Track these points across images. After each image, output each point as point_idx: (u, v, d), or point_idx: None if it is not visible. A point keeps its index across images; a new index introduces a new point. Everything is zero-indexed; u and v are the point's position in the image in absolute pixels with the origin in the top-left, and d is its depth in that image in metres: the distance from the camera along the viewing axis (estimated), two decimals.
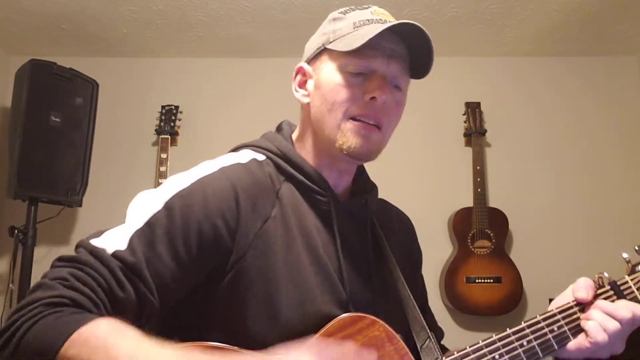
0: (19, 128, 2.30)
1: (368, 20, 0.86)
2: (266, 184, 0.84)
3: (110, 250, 0.71)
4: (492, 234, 2.62)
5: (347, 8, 0.91)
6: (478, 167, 2.72)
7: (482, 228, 2.63)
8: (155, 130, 2.84)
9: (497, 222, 2.65)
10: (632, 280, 0.87)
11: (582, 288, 0.85)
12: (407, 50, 0.87)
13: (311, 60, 0.93)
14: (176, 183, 0.80)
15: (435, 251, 2.76)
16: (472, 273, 2.59)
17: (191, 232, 0.75)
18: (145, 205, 0.77)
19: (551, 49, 2.89)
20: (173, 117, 2.83)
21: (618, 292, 0.86)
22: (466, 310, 2.60)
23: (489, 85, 2.96)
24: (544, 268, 2.69)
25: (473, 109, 2.82)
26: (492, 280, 2.57)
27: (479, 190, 2.68)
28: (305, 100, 0.92)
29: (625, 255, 0.90)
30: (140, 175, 2.84)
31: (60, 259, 0.72)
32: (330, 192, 0.89)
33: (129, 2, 2.43)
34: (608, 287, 0.86)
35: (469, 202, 2.69)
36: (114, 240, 0.73)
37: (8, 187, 2.37)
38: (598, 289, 0.86)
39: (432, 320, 1.06)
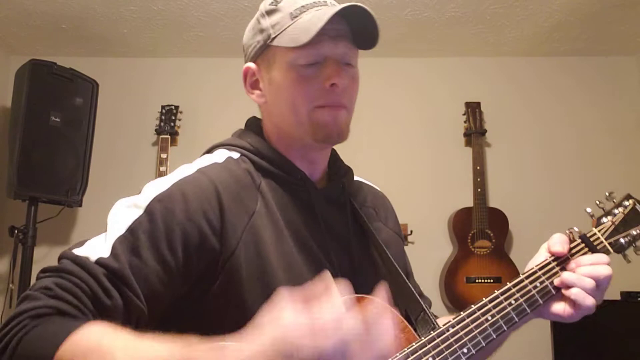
0: (19, 128, 2.30)
1: (303, 6, 0.84)
2: (246, 180, 0.85)
3: (93, 258, 0.71)
4: (492, 234, 2.62)
5: None
6: (478, 167, 2.72)
7: (482, 228, 2.63)
8: (155, 130, 2.84)
9: (497, 222, 2.65)
10: (599, 231, 0.93)
11: (557, 243, 0.90)
12: (347, 25, 0.85)
13: (256, 59, 0.91)
14: (154, 188, 0.79)
15: (435, 251, 2.76)
16: (472, 273, 2.59)
17: (175, 235, 0.75)
18: (125, 212, 0.76)
19: (551, 49, 2.89)
20: (173, 117, 2.82)
21: (589, 244, 0.91)
22: None
23: (489, 85, 2.96)
24: None
25: (473, 109, 2.83)
26: (492, 280, 2.57)
27: (479, 190, 2.68)
28: (262, 100, 0.91)
29: (589, 209, 0.96)
30: (140, 175, 2.84)
31: (44, 270, 0.71)
32: (308, 181, 0.90)
33: (129, 2, 2.43)
34: (579, 241, 0.91)
35: (469, 202, 2.69)
36: (96, 248, 0.72)
37: (8, 187, 2.37)
38: (570, 243, 0.91)
39: (419, 291, 1.08)
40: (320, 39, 0.81)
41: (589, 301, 0.83)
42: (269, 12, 0.87)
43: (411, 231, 2.67)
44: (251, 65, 0.92)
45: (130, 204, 0.78)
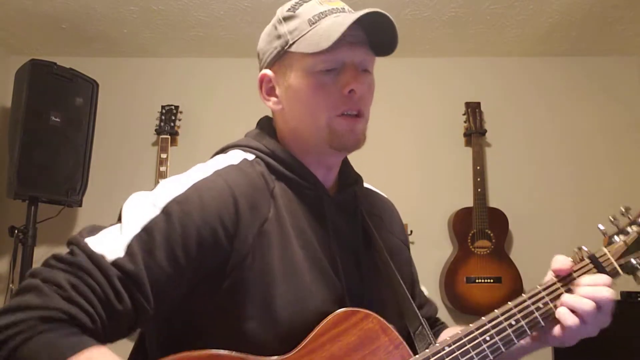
0: (19, 128, 2.30)
1: (321, 13, 0.85)
2: (260, 184, 0.84)
3: (109, 257, 0.70)
4: (492, 234, 2.62)
5: (293, 3, 0.89)
6: (478, 167, 2.72)
7: (482, 228, 2.63)
8: (155, 130, 2.84)
9: (497, 222, 2.65)
10: (609, 251, 0.88)
11: (558, 261, 0.87)
12: (364, 31, 0.85)
13: (272, 66, 0.90)
14: (172, 187, 0.78)
15: (436, 251, 2.76)
16: (472, 273, 2.59)
17: (190, 238, 0.74)
18: (141, 209, 0.75)
19: (551, 49, 2.89)
20: (173, 117, 2.82)
21: (597, 264, 0.86)
22: (466, 310, 2.59)
23: (488, 85, 2.96)
24: (544, 268, 2.67)
25: (473, 109, 2.83)
26: (492, 280, 2.57)
27: (479, 190, 2.68)
28: (279, 107, 0.90)
29: (601, 226, 0.90)
30: (140, 175, 2.84)
31: (57, 258, 0.70)
32: (321, 187, 0.90)
33: (129, 2, 2.43)
34: (588, 261, 0.87)
35: (469, 202, 2.69)
36: (112, 246, 0.71)
37: (8, 187, 2.37)
38: (578, 262, 0.87)
39: (424, 299, 1.08)
40: (339, 45, 0.81)
41: (570, 321, 0.80)
42: (286, 19, 0.87)
43: (411, 231, 2.67)
44: (267, 72, 0.91)
45: (147, 200, 0.77)
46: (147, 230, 0.73)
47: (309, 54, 0.83)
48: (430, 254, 2.74)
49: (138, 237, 0.72)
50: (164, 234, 0.73)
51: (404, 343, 0.81)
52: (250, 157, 0.88)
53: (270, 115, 0.98)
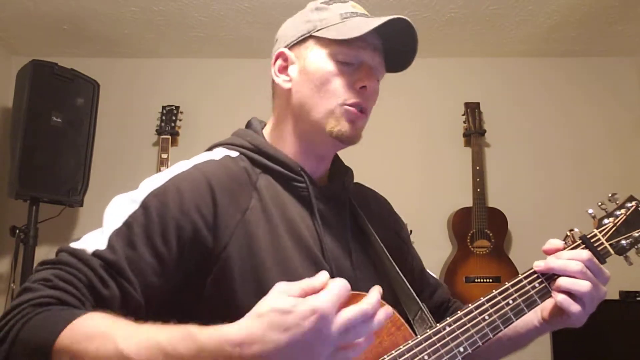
0: (21, 128, 2.31)
1: (353, 12, 0.90)
2: (241, 177, 0.86)
3: (90, 250, 0.73)
4: (491, 234, 2.63)
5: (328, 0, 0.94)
6: (477, 167, 2.73)
7: (481, 228, 2.64)
8: (156, 130, 2.85)
9: (496, 222, 2.66)
10: (600, 232, 0.91)
11: (549, 243, 0.90)
12: (383, 46, 0.91)
13: (292, 47, 0.94)
14: (151, 183, 0.82)
15: (435, 251, 2.77)
16: (471, 273, 2.60)
17: (169, 229, 0.77)
18: (121, 207, 0.78)
19: (550, 50, 2.90)
20: (174, 118, 2.84)
21: (589, 245, 0.89)
22: None
23: (488, 85, 2.97)
24: None
25: (472, 109, 2.84)
26: (491, 280, 2.58)
27: (478, 190, 2.69)
28: (287, 85, 0.93)
29: (590, 211, 0.94)
30: (141, 175, 2.78)
31: (42, 263, 0.73)
32: (308, 177, 0.91)
33: (130, 2, 2.45)
34: (580, 241, 0.90)
35: (468, 202, 2.70)
36: (93, 241, 0.74)
37: (9, 187, 2.38)
38: (571, 244, 0.90)
39: (436, 282, 1.11)
40: (364, 45, 0.88)
41: (583, 286, 0.81)
42: (319, 9, 0.93)
43: (411, 231, 2.67)
44: (285, 50, 0.94)
45: (126, 199, 0.80)
46: (127, 224, 0.76)
47: (335, 42, 0.88)
48: (429, 254, 2.72)
49: (118, 231, 0.75)
50: (143, 226, 0.76)
51: (406, 324, 0.83)
52: (234, 154, 0.91)
53: (261, 116, 1.01)
